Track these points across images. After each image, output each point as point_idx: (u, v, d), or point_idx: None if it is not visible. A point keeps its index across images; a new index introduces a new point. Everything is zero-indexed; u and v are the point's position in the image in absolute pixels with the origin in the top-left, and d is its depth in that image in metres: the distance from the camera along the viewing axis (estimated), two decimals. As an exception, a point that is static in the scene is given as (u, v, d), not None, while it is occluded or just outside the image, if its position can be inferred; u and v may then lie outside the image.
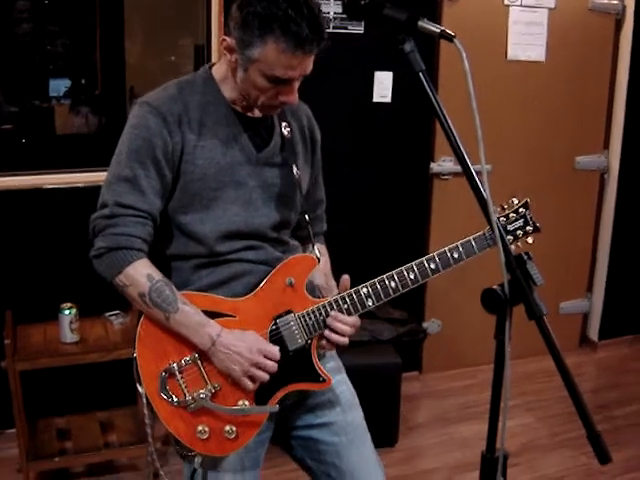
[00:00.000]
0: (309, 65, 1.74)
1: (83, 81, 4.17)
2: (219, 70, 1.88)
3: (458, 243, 1.88)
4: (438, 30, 1.42)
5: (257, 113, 1.90)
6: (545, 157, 4.20)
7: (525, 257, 1.40)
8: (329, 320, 1.84)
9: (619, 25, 4.20)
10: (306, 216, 2.02)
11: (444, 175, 3.94)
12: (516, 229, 1.95)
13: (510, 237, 1.94)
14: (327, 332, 1.85)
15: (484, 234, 1.88)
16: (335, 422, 1.99)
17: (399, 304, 3.67)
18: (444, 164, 3.90)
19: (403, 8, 1.49)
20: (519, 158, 4.07)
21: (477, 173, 1.45)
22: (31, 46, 3.92)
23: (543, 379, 4.10)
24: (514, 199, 1.97)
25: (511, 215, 1.95)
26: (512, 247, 1.93)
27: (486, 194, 1.42)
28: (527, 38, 3.98)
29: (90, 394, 3.51)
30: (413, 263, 1.88)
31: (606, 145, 4.39)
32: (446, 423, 3.77)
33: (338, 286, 1.90)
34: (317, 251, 2.00)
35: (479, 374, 4.14)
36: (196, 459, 1.83)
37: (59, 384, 3.43)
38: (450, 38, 1.39)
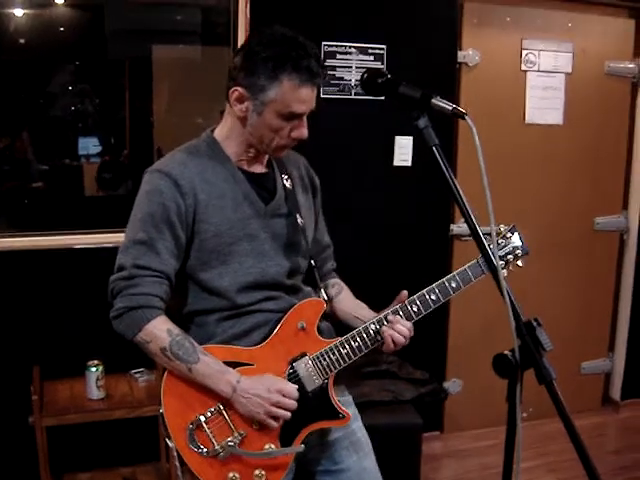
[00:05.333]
0: (314, 99, 1.87)
1: (112, 141, 4.30)
2: (221, 132, 2.00)
3: (454, 273, 1.99)
4: (450, 108, 1.49)
5: (259, 169, 2.01)
6: (564, 218, 4.25)
7: (534, 323, 1.46)
8: (392, 318, 1.94)
9: (635, 88, 4.27)
10: (312, 261, 2.11)
11: (464, 237, 3.99)
12: (507, 254, 2.05)
13: (502, 262, 2.03)
14: (390, 332, 1.92)
15: (477, 262, 1.98)
16: (351, 469, 2.05)
17: (420, 364, 3.69)
18: (464, 226, 3.93)
19: (418, 85, 1.58)
20: (538, 219, 4.12)
21: (487, 236, 1.51)
22: (62, 106, 4.06)
23: (565, 440, 4.03)
24: (501, 226, 2.05)
25: (500, 241, 2.05)
26: (504, 271, 2.02)
27: (496, 261, 1.48)
28: (545, 102, 4.06)
29: (114, 450, 3.54)
30: (415, 296, 1.97)
31: (625, 206, 4.43)
32: (467, 484, 3.76)
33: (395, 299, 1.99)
34: (324, 294, 2.10)
35: (500, 434, 4.01)
36: None
37: (84, 439, 3.46)
38: (462, 116, 1.46)
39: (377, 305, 2.11)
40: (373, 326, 1.95)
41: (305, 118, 1.89)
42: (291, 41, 1.83)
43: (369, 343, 1.95)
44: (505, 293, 1.43)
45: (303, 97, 1.83)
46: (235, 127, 1.94)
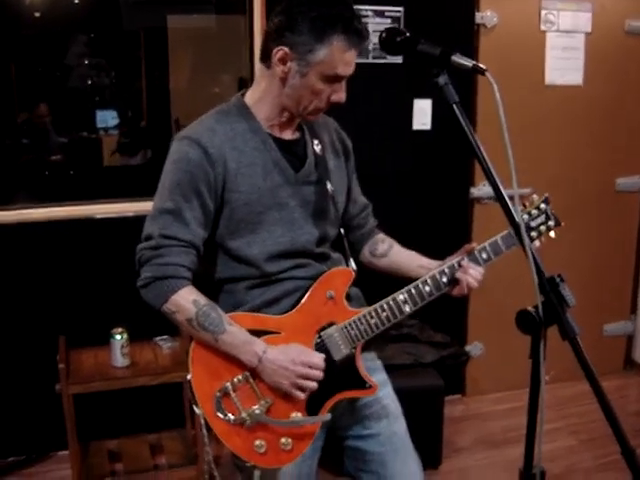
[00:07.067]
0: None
1: (129, 113, 4.31)
2: (252, 95, 1.95)
3: (485, 244, 1.99)
4: (470, 64, 1.48)
5: (290, 135, 1.98)
6: (585, 179, 4.21)
7: (558, 279, 1.45)
8: (464, 263, 1.97)
9: (656, 47, 4.20)
10: (341, 230, 2.09)
11: (484, 199, 3.98)
12: (539, 225, 2.04)
13: (534, 233, 2.02)
14: (462, 275, 1.96)
15: (509, 233, 1.96)
16: (382, 433, 2.06)
17: (442, 327, 3.71)
18: (484, 188, 3.94)
19: (437, 43, 1.57)
20: (559, 181, 4.08)
21: (511, 198, 1.50)
22: (79, 79, 4.07)
23: (587, 402, 4.06)
24: (534, 196, 2.04)
25: (533, 212, 2.03)
26: (536, 242, 2.02)
27: (517, 217, 1.48)
28: (564, 63, 4.01)
29: (140, 417, 3.59)
30: (444, 266, 1.97)
31: (646, 166, 4.38)
32: (490, 446, 3.77)
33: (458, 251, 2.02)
34: (353, 264, 2.08)
35: (523, 397, 4.05)
36: (255, 472, 1.89)
37: (110, 407, 3.51)
38: (482, 72, 1.45)
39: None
40: (401, 296, 1.94)
41: (344, 82, 1.86)
42: (338, 1, 1.80)
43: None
44: (528, 249, 1.43)
45: (349, 60, 1.81)
46: (271, 89, 1.89)
